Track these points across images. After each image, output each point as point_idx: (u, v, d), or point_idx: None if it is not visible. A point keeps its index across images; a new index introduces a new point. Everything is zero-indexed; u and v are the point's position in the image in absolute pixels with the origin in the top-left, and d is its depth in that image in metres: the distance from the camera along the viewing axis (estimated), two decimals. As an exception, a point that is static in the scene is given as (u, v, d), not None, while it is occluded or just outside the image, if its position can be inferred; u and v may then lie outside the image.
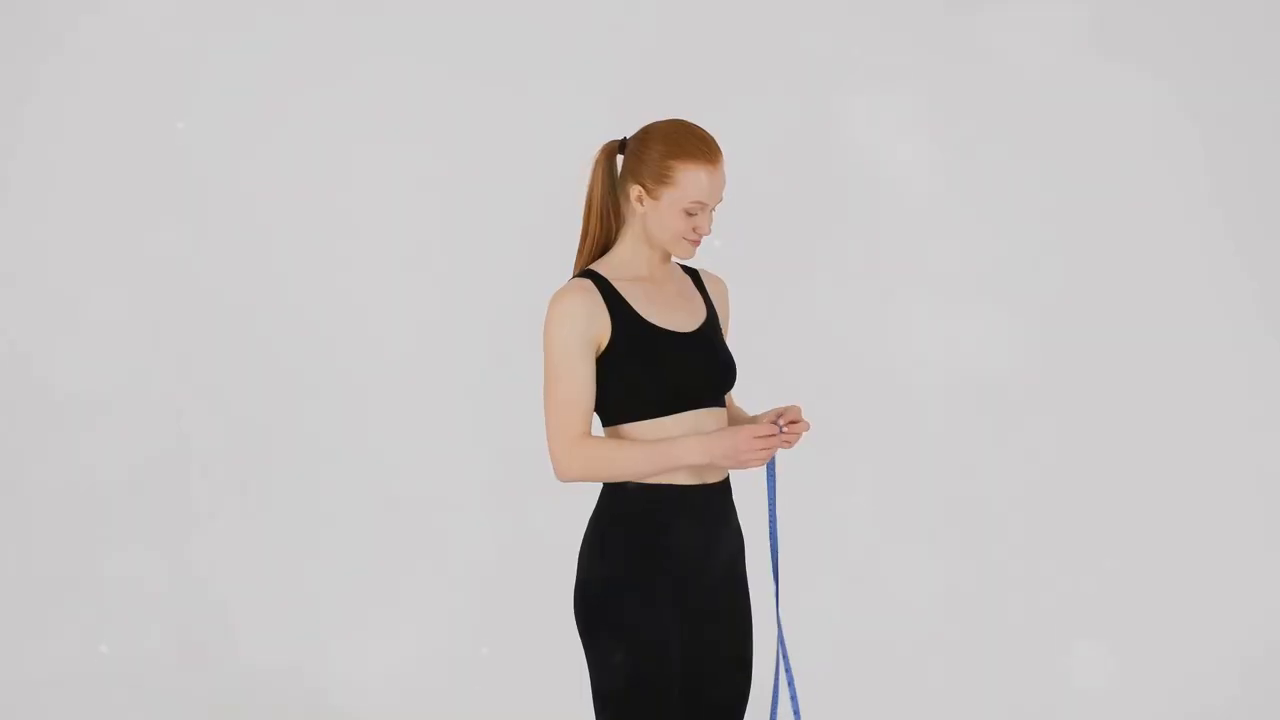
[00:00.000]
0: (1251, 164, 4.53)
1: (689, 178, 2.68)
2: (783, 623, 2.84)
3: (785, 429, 2.67)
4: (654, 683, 2.69)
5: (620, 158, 2.78)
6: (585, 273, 2.75)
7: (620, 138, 2.79)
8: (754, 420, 2.80)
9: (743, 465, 2.66)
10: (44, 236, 4.60)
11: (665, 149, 2.69)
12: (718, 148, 2.72)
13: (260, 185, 4.59)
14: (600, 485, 2.78)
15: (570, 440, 2.67)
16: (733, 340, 2.92)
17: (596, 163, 2.78)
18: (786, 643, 2.87)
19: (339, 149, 4.57)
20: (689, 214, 2.71)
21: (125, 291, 4.60)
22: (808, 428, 2.70)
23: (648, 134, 2.73)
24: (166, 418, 4.62)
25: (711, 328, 2.83)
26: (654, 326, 2.72)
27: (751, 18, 4.57)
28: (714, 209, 2.75)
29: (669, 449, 2.66)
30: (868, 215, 4.57)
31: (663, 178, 2.69)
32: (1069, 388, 4.58)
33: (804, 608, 4.41)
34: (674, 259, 2.84)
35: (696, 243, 2.75)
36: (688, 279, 2.88)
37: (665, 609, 2.71)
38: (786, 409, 2.71)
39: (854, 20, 4.56)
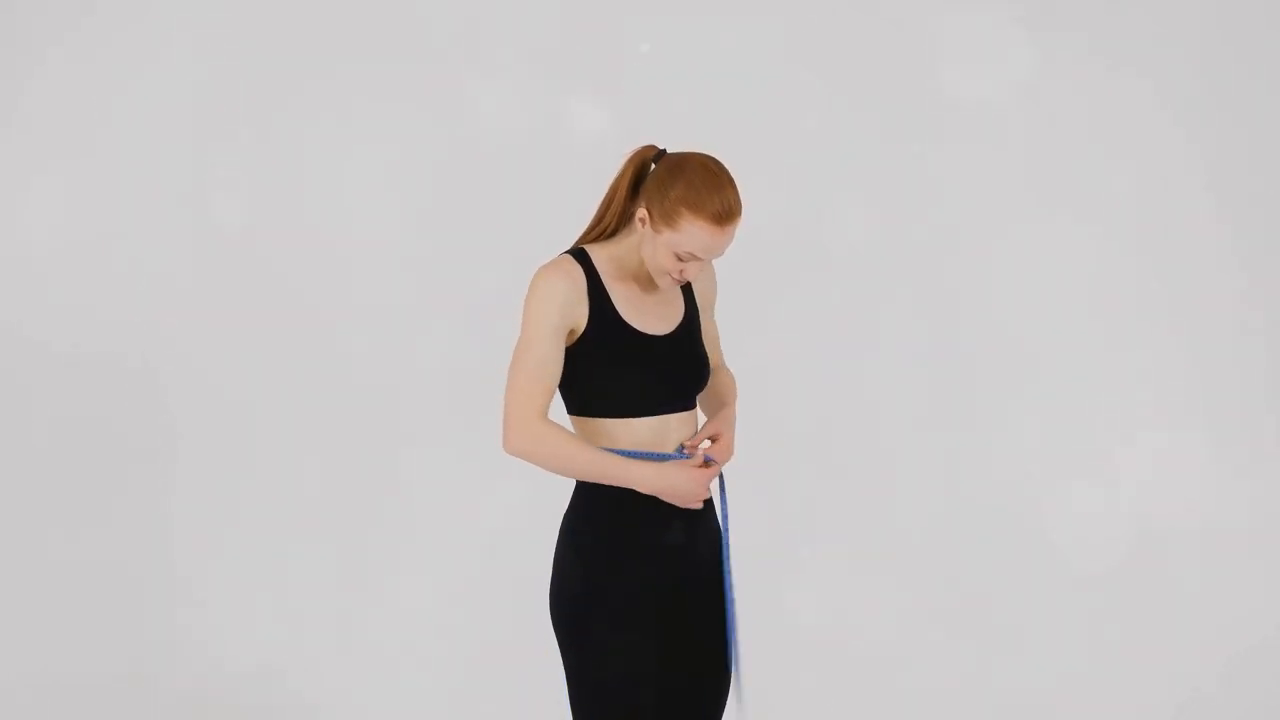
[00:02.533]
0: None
1: (693, 230, 2.63)
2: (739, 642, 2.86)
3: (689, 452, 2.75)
4: (632, 687, 2.68)
5: (653, 167, 2.73)
6: (578, 252, 2.73)
7: (661, 148, 2.74)
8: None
9: (683, 503, 2.70)
10: (30, 222, 4.57)
11: (683, 194, 2.62)
12: (736, 210, 2.64)
13: (252, 180, 4.57)
14: (574, 482, 2.76)
15: (528, 416, 2.63)
16: (721, 321, 2.94)
17: (628, 163, 2.74)
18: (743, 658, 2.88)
19: (329, 144, 4.56)
20: (680, 259, 2.67)
21: (109, 289, 4.57)
22: (729, 458, 2.80)
23: (678, 167, 2.66)
24: (151, 414, 4.59)
25: (689, 327, 2.80)
26: (630, 328, 2.70)
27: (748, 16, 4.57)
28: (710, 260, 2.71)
29: (623, 471, 2.66)
30: (865, 213, 4.55)
31: (669, 218, 2.64)
32: (1056, 384, 4.59)
33: (789, 611, 4.46)
34: None
35: (677, 282, 2.72)
36: None
37: (644, 611, 2.69)
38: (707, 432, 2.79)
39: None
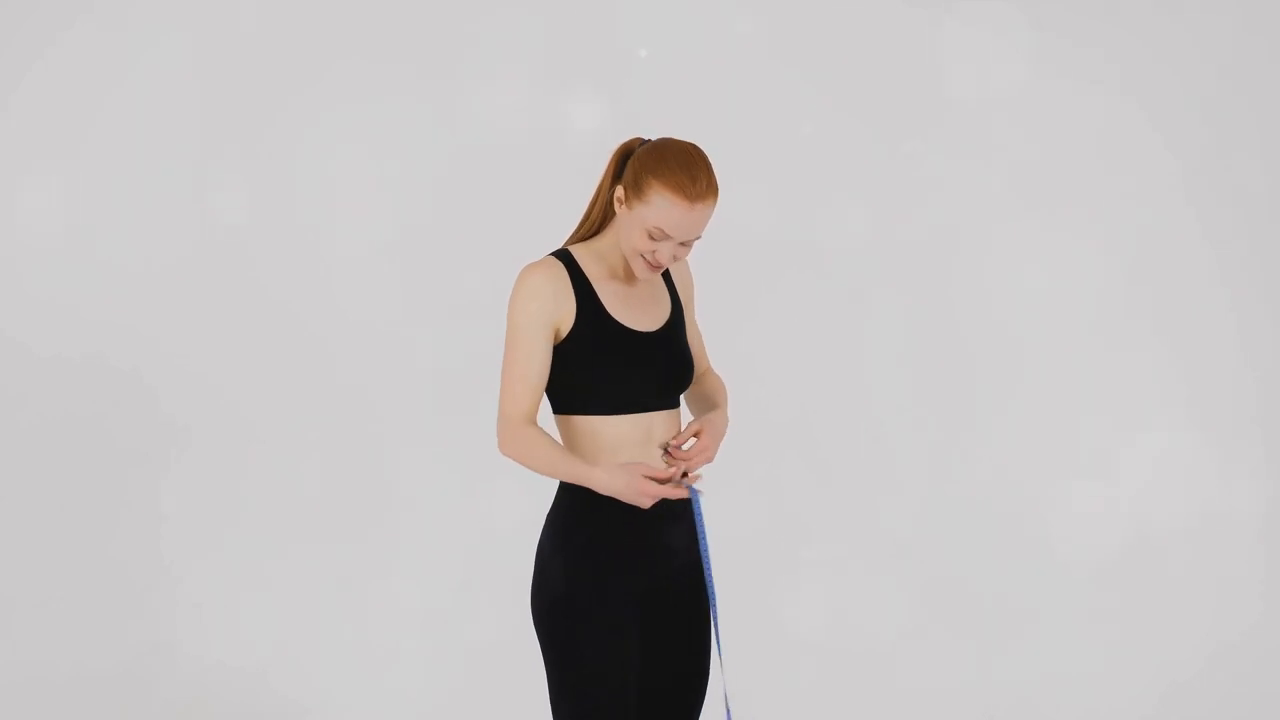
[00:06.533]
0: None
1: (659, 201, 2.61)
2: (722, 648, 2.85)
3: (673, 452, 2.70)
4: (612, 686, 2.68)
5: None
6: (561, 253, 2.73)
7: (643, 139, 2.74)
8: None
9: (635, 504, 2.65)
10: (21, 222, 4.57)
11: (653, 164, 2.62)
12: (706, 190, 2.62)
13: (246, 181, 4.57)
14: (558, 482, 2.75)
15: (517, 420, 2.66)
16: (702, 320, 2.93)
17: (613, 156, 2.74)
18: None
19: (322, 146, 4.57)
20: (651, 237, 2.65)
21: (100, 290, 4.57)
22: (706, 458, 2.73)
23: (656, 147, 2.67)
24: (143, 416, 4.58)
25: (674, 325, 2.80)
26: (618, 325, 2.70)
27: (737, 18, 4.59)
28: (684, 245, 2.67)
29: (585, 473, 2.64)
30: (860, 213, 4.57)
31: (638, 189, 2.63)
32: (1053, 384, 4.62)
33: (785, 611, 4.46)
34: None
35: (653, 267, 2.69)
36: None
37: (624, 611, 2.69)
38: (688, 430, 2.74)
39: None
